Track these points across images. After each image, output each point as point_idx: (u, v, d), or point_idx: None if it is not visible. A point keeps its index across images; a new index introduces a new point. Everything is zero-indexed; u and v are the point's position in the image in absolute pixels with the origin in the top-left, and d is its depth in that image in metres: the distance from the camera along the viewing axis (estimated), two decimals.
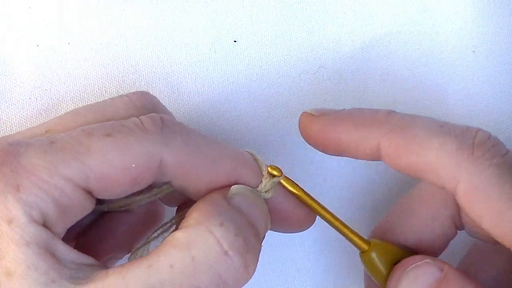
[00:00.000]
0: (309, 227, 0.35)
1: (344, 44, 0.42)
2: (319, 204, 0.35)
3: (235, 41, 0.41)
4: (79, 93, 0.40)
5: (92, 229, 0.36)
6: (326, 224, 0.35)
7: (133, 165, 0.30)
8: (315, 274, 0.43)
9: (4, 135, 0.37)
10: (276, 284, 0.43)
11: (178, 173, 0.31)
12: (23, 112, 0.40)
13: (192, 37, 0.41)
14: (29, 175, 0.28)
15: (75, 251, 0.30)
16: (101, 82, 0.40)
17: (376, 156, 0.34)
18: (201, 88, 0.41)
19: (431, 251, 0.36)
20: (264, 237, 0.33)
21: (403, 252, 0.35)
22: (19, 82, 0.40)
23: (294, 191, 0.34)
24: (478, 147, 0.32)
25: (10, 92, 0.40)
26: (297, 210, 0.35)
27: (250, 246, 0.30)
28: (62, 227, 0.30)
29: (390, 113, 0.34)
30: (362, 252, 0.35)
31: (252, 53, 0.41)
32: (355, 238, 0.35)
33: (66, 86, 0.40)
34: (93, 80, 0.40)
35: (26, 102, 0.40)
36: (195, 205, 0.32)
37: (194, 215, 0.31)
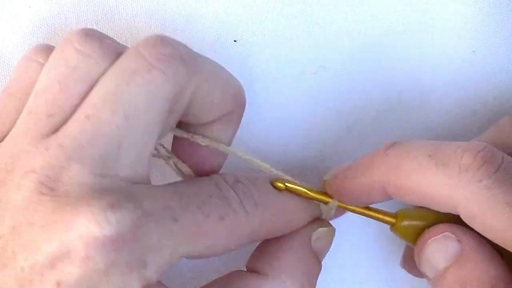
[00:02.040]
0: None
1: (344, 44, 0.42)
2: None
3: (235, 41, 0.41)
4: None
5: None
6: None
7: (232, 247, 0.32)
8: None
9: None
10: None
11: None
12: None
13: (192, 37, 0.41)
14: (155, 254, 0.29)
15: None
16: None
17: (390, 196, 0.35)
18: None
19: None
20: None
21: (432, 214, 0.34)
22: None
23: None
24: (465, 172, 0.31)
25: None
26: None
27: None
28: None
29: (387, 150, 0.34)
30: (392, 226, 0.35)
31: (252, 53, 0.41)
32: (380, 216, 0.35)
33: None
34: None
35: None
36: (282, 250, 0.34)
37: (279, 264, 0.34)
